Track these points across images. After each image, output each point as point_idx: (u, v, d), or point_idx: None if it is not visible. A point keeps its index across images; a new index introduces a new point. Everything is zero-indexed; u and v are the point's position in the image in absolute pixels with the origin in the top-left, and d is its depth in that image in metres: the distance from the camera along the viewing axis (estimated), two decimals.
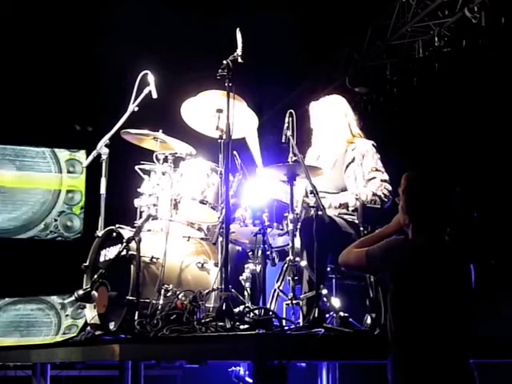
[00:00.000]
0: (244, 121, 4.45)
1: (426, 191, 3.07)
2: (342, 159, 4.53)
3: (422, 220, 3.06)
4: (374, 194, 4.30)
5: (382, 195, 4.32)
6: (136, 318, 3.95)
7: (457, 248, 3.08)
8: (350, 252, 3.23)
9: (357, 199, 4.29)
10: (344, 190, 4.45)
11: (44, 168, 8.88)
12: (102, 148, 4.64)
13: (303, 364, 4.29)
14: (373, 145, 4.55)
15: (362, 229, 4.02)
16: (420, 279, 2.97)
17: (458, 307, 2.99)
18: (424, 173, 3.16)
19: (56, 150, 8.92)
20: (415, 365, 2.91)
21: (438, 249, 3.03)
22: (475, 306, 3.05)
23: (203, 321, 3.69)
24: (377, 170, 4.44)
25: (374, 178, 4.40)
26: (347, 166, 4.47)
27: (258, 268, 4.20)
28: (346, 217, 4.28)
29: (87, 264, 4.52)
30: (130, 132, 4.64)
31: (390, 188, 4.36)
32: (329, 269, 4.16)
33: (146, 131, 4.63)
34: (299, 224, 4.10)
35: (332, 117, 4.62)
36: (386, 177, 4.43)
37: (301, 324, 3.74)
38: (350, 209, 4.30)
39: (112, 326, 4.16)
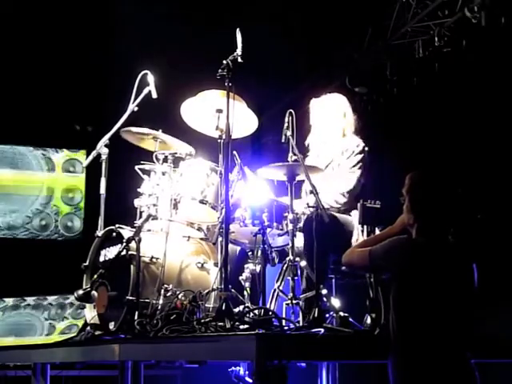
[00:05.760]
0: (244, 121, 4.45)
1: (430, 191, 3.08)
2: (336, 159, 4.52)
3: (426, 220, 3.06)
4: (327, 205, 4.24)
5: (334, 203, 4.31)
6: (136, 317, 3.95)
7: (460, 248, 3.08)
8: (353, 252, 3.24)
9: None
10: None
11: (42, 168, 8.88)
12: (102, 148, 4.64)
13: (303, 364, 4.28)
14: (358, 145, 4.49)
15: (361, 229, 4.02)
16: (422, 279, 2.97)
17: (460, 307, 2.99)
18: (428, 173, 3.17)
19: (54, 149, 8.92)
20: (417, 364, 2.91)
21: (441, 249, 3.04)
22: (477, 306, 3.05)
23: (203, 321, 3.69)
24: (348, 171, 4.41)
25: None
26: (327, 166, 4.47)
27: (258, 268, 4.20)
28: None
29: (87, 264, 4.53)
30: (130, 131, 4.64)
31: (339, 199, 4.34)
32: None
33: (146, 130, 4.63)
34: (300, 223, 4.11)
35: (330, 116, 4.61)
36: (345, 183, 4.37)
37: (301, 324, 3.74)
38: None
39: (112, 326, 4.16)
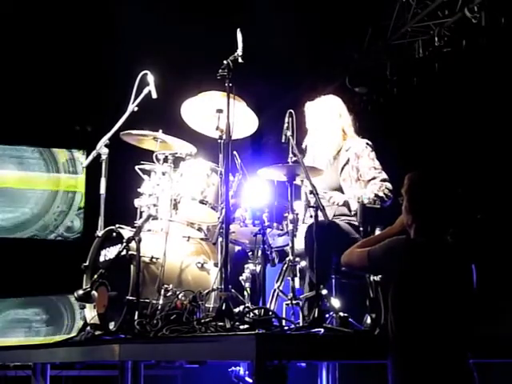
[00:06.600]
0: (244, 121, 4.45)
1: (429, 191, 3.08)
2: (336, 160, 4.52)
3: (424, 220, 3.06)
4: (376, 195, 4.28)
5: (384, 196, 4.30)
6: (136, 318, 3.95)
7: (459, 248, 3.08)
8: (352, 252, 3.24)
9: (359, 202, 4.27)
10: (339, 190, 4.44)
11: (42, 168, 8.89)
12: (102, 148, 4.64)
13: (303, 364, 4.28)
14: (367, 143, 4.52)
15: (361, 229, 4.02)
16: (421, 279, 2.97)
17: (459, 307, 2.99)
18: (427, 173, 3.17)
19: (54, 149, 8.93)
20: (416, 365, 2.91)
21: (440, 249, 3.04)
22: (477, 306, 3.05)
23: (203, 321, 3.69)
24: (375, 168, 4.43)
25: (374, 178, 4.39)
26: (342, 168, 4.45)
27: (258, 268, 4.20)
28: (352, 223, 4.27)
29: (87, 264, 4.53)
30: (129, 133, 4.63)
31: (390, 187, 4.35)
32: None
33: (145, 132, 4.63)
34: (301, 227, 4.10)
35: (326, 118, 4.60)
36: (385, 176, 4.41)
37: (301, 324, 3.74)
38: (352, 212, 4.29)
39: (112, 326, 4.17)
